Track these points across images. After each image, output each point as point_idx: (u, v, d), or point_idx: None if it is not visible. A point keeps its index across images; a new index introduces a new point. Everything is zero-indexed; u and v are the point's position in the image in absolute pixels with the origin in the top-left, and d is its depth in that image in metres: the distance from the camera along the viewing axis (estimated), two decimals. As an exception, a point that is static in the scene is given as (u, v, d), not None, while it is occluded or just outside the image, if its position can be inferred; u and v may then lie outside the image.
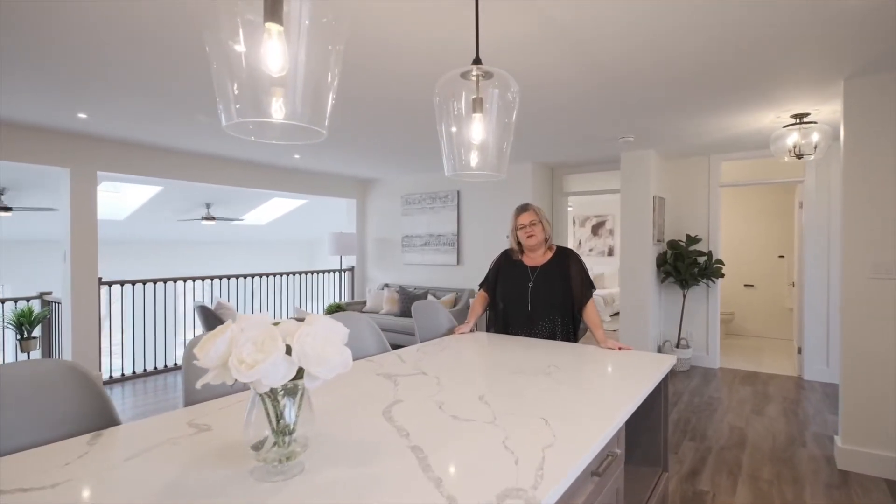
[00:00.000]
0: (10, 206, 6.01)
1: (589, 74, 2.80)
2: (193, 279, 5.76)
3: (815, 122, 3.55)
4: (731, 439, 3.32)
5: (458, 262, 6.33)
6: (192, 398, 1.40)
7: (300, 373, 0.91)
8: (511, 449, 1.07)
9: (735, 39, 2.34)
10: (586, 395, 1.48)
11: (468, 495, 0.88)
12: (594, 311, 2.42)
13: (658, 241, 5.23)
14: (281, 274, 6.69)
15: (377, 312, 6.28)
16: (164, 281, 5.41)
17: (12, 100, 3.32)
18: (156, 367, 5.26)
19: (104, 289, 4.85)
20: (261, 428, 0.94)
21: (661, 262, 5.25)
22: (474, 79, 1.55)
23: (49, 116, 3.75)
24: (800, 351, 4.97)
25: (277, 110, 1.00)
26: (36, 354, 4.96)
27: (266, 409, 0.94)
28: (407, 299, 6.04)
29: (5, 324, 4.84)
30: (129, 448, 1.09)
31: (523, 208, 2.50)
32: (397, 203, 6.93)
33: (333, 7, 1.02)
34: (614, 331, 6.24)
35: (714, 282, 5.20)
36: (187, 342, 1.75)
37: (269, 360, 0.83)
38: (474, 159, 1.64)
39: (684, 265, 5.06)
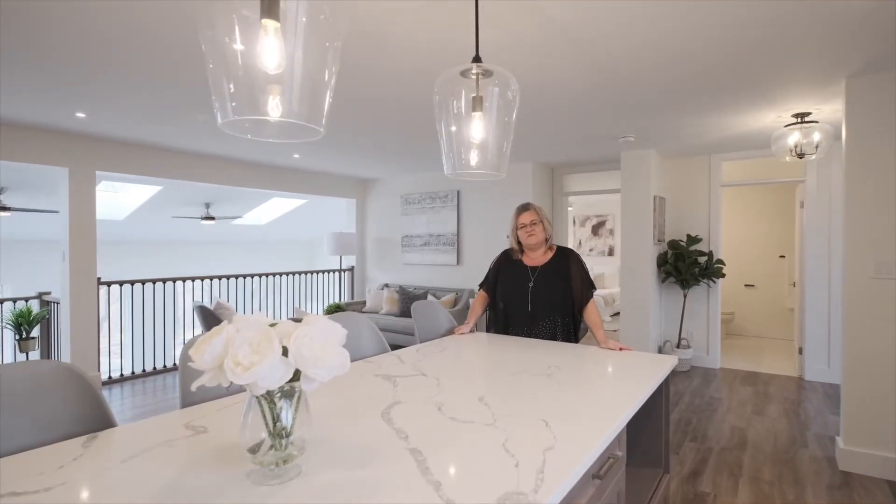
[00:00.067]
0: (8, 206, 5.99)
1: (589, 74, 2.79)
2: (193, 279, 5.74)
3: (817, 122, 3.54)
4: (732, 440, 3.31)
5: (458, 262, 6.31)
6: (189, 399, 1.38)
7: (297, 375, 0.89)
8: (511, 451, 1.06)
9: (736, 39, 2.32)
10: (587, 396, 1.47)
11: (468, 499, 0.86)
12: (595, 312, 2.40)
13: (658, 240, 5.22)
14: (280, 274, 6.68)
15: (377, 312, 6.26)
16: (164, 281, 5.40)
17: (10, 99, 3.31)
18: (155, 368, 5.25)
19: (103, 289, 4.84)
20: (257, 430, 0.93)
21: (662, 262, 5.23)
22: (474, 77, 1.53)
23: (47, 116, 3.73)
24: (801, 351, 4.95)
25: (274, 108, 0.98)
26: (35, 355, 4.95)
27: (262, 412, 0.92)
28: (407, 299, 6.02)
29: (4, 324, 4.83)
30: (125, 450, 1.08)
31: (524, 207, 2.49)
32: (397, 203, 6.92)
33: (331, 4, 1.01)
34: (615, 331, 6.23)
35: (715, 282, 5.19)
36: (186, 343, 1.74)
37: (265, 362, 0.82)
38: (474, 158, 1.63)
39: (685, 265, 5.04)
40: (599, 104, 3.39)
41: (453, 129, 1.59)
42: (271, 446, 0.93)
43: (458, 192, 6.31)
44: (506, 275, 2.54)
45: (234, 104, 0.97)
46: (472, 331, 2.55)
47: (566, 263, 2.44)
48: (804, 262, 4.86)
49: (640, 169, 5.02)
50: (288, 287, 6.84)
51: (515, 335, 2.45)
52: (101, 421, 1.22)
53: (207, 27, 0.97)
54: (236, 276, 6.10)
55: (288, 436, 0.94)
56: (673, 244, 5.20)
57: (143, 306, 5.27)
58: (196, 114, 3.64)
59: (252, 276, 6.27)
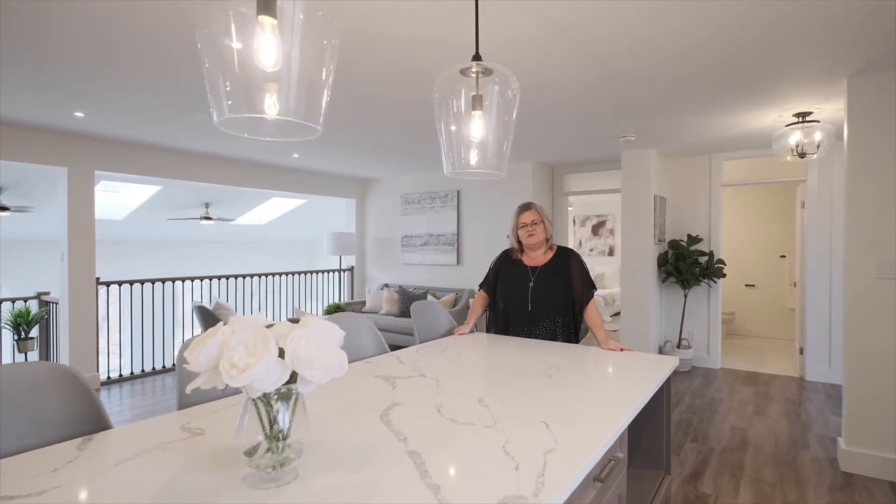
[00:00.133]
0: (7, 205, 5.98)
1: (589, 73, 2.78)
2: (192, 279, 5.73)
3: (818, 121, 3.53)
4: (733, 441, 3.29)
5: (458, 262, 6.30)
6: (185, 401, 1.37)
7: (294, 377, 0.88)
8: (511, 454, 1.04)
9: (736, 38, 2.31)
10: (588, 397, 1.46)
11: (467, 502, 0.85)
12: (595, 312, 2.39)
13: (659, 240, 5.20)
14: (280, 274, 6.66)
15: (377, 312, 6.25)
16: (163, 281, 5.38)
17: (10, 99, 3.30)
18: (154, 368, 5.23)
19: (102, 289, 4.83)
20: (253, 433, 0.92)
21: (662, 261, 5.22)
22: (474, 75, 1.52)
23: (46, 115, 3.72)
24: (802, 351, 4.94)
25: (271, 106, 0.97)
26: (33, 355, 4.93)
27: (259, 414, 0.91)
28: (406, 299, 6.01)
29: (3, 324, 4.81)
30: (120, 453, 1.07)
31: (525, 207, 2.47)
32: (397, 203, 6.90)
33: (329, 1, 1.00)
34: (615, 331, 6.21)
35: (715, 282, 5.18)
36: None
37: (260, 364, 0.81)
38: (474, 157, 1.62)
39: (685, 265, 5.03)
40: (600, 104, 3.37)
41: (453, 128, 1.58)
42: (268, 449, 0.92)
43: (458, 192, 6.29)
44: (506, 275, 2.52)
45: (230, 102, 0.96)
46: (471, 331, 2.54)
47: (566, 263, 2.43)
48: (805, 261, 4.85)
49: (641, 168, 5.00)
50: (288, 287, 6.82)
51: (515, 336, 2.43)
52: (96, 422, 1.21)
53: (203, 24, 0.96)
54: (236, 277, 6.08)
55: (285, 438, 0.93)
56: (673, 244, 5.19)
57: (143, 306, 5.26)
58: (195, 113, 3.63)
59: (252, 276, 6.25)
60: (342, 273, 7.32)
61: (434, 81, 1.59)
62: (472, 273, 6.03)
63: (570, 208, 6.60)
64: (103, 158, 4.57)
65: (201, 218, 7.80)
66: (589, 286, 2.41)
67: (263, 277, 6.45)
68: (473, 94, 1.53)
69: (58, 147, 4.29)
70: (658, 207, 5.12)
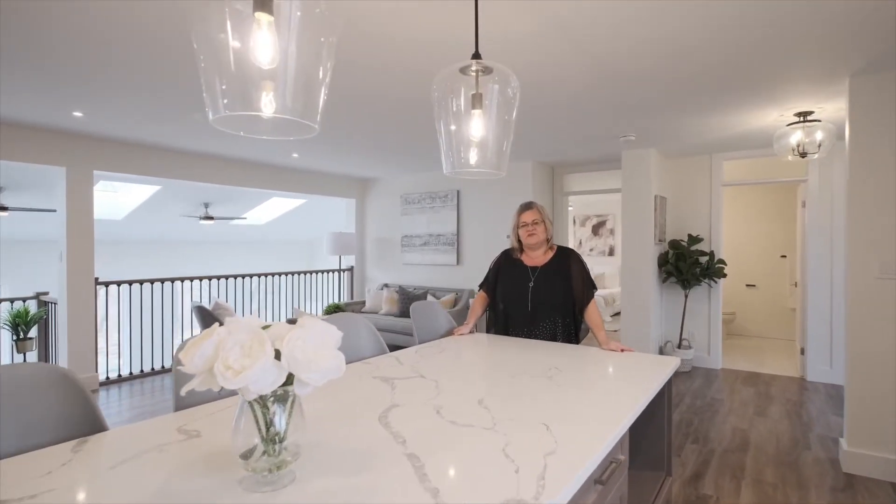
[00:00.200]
0: (6, 205, 5.97)
1: (589, 73, 2.76)
2: (192, 279, 5.72)
3: (819, 121, 3.51)
4: (734, 442, 3.28)
5: (458, 262, 6.29)
6: (182, 402, 1.35)
7: (290, 378, 0.87)
8: (511, 457, 1.03)
9: (736, 38, 2.30)
10: (588, 398, 1.44)
11: (466, 507, 0.84)
12: (596, 312, 2.37)
13: (659, 240, 5.19)
14: (280, 274, 6.65)
15: (376, 313, 6.24)
16: (162, 281, 5.37)
17: (10, 99, 3.29)
18: (153, 369, 5.22)
19: (101, 289, 4.81)
20: (250, 436, 0.90)
21: (663, 261, 5.21)
22: (473, 74, 1.50)
23: (45, 115, 3.71)
24: (802, 352, 4.92)
25: (267, 104, 0.96)
26: (32, 355, 4.92)
27: (255, 417, 0.90)
28: (406, 299, 6.00)
29: (1, 324, 4.80)
30: (115, 456, 1.05)
31: (527, 206, 2.46)
32: (397, 203, 6.89)
33: (326, -2, 0.99)
34: (615, 331, 6.20)
35: (716, 282, 5.16)
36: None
37: (256, 366, 0.79)
38: (473, 157, 1.60)
39: (686, 265, 5.02)
40: (600, 103, 3.36)
41: (452, 127, 1.57)
42: (264, 452, 0.90)
43: (458, 192, 6.28)
44: (506, 275, 2.51)
45: (226, 101, 0.95)
46: (471, 332, 2.53)
47: (567, 263, 2.42)
48: (806, 261, 4.83)
49: (641, 168, 4.99)
50: (287, 287, 6.81)
51: (515, 336, 2.42)
52: (91, 424, 1.20)
53: (199, 22, 0.95)
54: (235, 276, 6.07)
55: (281, 441, 0.91)
56: (674, 244, 5.18)
57: (142, 306, 5.24)
58: (193, 113, 3.62)
59: (251, 276, 6.24)
60: (342, 273, 7.31)
61: (433, 80, 1.58)
62: (472, 273, 6.02)
63: (570, 208, 6.58)
64: (102, 158, 4.56)
65: (201, 218, 7.78)
66: (589, 286, 2.40)
67: (263, 277, 6.44)
68: (473, 92, 1.52)
69: (57, 147, 4.28)
70: (658, 207, 5.11)
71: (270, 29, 0.93)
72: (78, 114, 3.66)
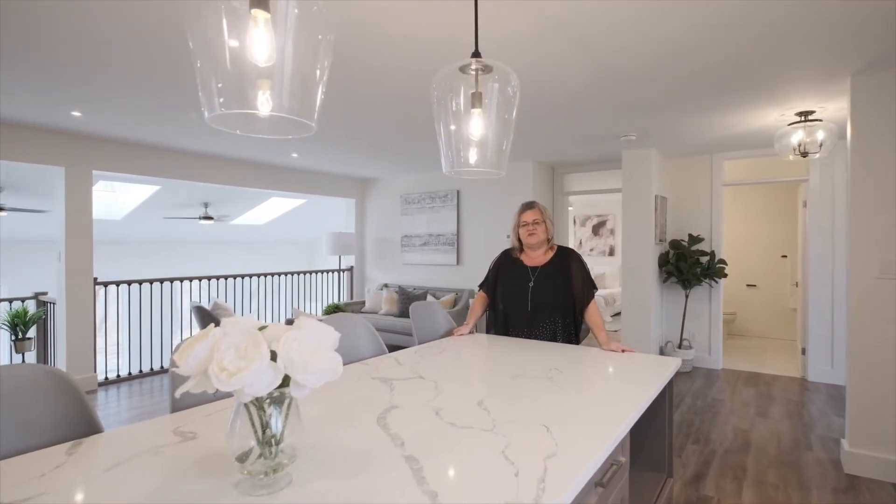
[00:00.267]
0: (4, 205, 5.96)
1: (589, 72, 2.75)
2: (191, 279, 5.70)
3: (821, 120, 3.50)
4: (735, 442, 3.27)
5: (458, 262, 6.27)
6: (178, 404, 1.34)
7: (287, 380, 0.85)
8: (511, 459, 1.02)
9: (736, 38, 2.29)
10: (589, 399, 1.43)
11: (465, 511, 0.82)
12: (596, 312, 2.36)
13: (660, 240, 5.18)
14: (280, 274, 6.64)
15: (376, 313, 6.23)
16: (161, 281, 5.36)
17: (9, 99, 3.28)
18: (152, 369, 5.21)
19: (100, 289, 4.80)
20: (245, 438, 0.89)
21: (663, 261, 5.19)
22: (473, 72, 1.49)
23: (44, 115, 3.70)
24: (804, 352, 4.91)
25: (264, 103, 0.95)
26: (31, 356, 4.91)
27: (251, 419, 0.89)
28: (406, 299, 5.98)
29: (0, 324, 4.79)
30: (110, 458, 1.04)
31: (528, 205, 2.45)
32: (396, 203, 6.88)
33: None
34: (616, 331, 6.19)
35: (716, 282, 5.15)
36: (177, 345, 1.70)
37: (251, 368, 0.78)
38: (473, 156, 1.59)
39: (686, 265, 5.00)
40: (600, 103, 3.35)
41: (452, 126, 1.55)
42: (260, 455, 0.89)
43: (458, 192, 6.27)
44: (506, 275, 2.50)
45: (221, 99, 0.94)
46: (471, 332, 2.52)
47: (567, 263, 2.40)
48: (807, 261, 4.82)
49: (641, 168, 4.97)
50: (287, 287, 6.80)
51: (515, 336, 2.41)
52: (86, 426, 1.18)
53: (195, 19, 0.94)
54: (235, 277, 6.06)
55: (278, 443, 0.90)
56: (674, 244, 5.16)
57: (141, 307, 5.23)
58: (191, 112, 3.61)
59: (251, 276, 6.23)
60: (342, 273, 7.30)
61: (433, 79, 1.57)
62: (472, 273, 6.00)
63: (570, 208, 6.57)
64: (102, 158, 4.55)
65: (200, 218, 7.77)
66: (590, 286, 2.39)
67: (262, 277, 6.43)
68: (473, 91, 1.51)
69: (56, 147, 4.26)
70: (659, 207, 5.09)
71: (267, 26, 0.93)
72: (77, 114, 3.65)
